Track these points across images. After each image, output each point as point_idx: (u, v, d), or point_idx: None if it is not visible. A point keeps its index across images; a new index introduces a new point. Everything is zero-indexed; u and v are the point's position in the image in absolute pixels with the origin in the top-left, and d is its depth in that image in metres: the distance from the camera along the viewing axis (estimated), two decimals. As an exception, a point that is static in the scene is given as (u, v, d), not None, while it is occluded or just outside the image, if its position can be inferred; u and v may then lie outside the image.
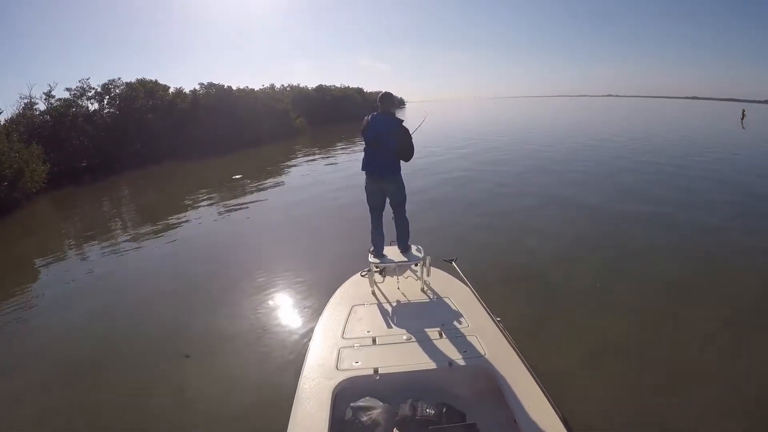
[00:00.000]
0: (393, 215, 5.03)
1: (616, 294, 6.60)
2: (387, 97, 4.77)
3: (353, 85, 70.56)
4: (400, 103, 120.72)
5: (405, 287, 4.51)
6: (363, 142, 4.83)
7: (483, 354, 3.21)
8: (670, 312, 6.03)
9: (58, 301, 7.78)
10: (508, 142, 28.36)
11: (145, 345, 5.87)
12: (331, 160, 23.46)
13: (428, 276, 4.60)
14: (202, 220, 12.75)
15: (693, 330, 5.57)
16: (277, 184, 17.64)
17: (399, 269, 4.73)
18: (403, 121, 4.76)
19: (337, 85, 63.71)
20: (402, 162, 4.82)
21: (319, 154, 26.54)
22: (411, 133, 4.80)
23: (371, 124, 4.69)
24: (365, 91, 73.04)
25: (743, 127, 8.92)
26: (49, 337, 6.41)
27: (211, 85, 36.86)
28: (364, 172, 4.90)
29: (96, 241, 11.50)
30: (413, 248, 4.94)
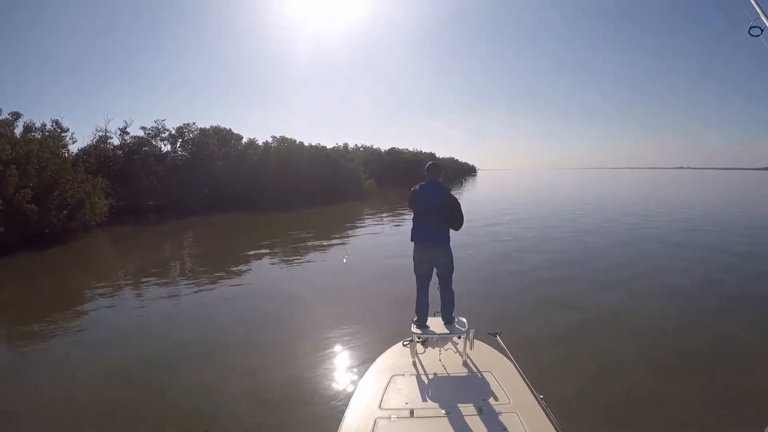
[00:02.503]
0: (439, 286, 4.89)
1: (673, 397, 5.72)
2: (434, 167, 4.84)
3: (425, 149, 70.34)
4: (471, 171, 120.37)
5: (446, 359, 4.38)
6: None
7: None
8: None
9: (89, 342, 7.64)
10: (571, 214, 25.72)
11: (165, 411, 5.50)
12: (396, 225, 21.86)
13: (471, 349, 4.39)
14: (259, 275, 12.59)
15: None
16: (338, 246, 16.73)
17: (441, 341, 4.59)
18: (451, 189, 4.79)
19: (410, 149, 63.42)
20: (452, 231, 4.73)
21: (385, 218, 24.98)
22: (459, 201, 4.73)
23: (420, 194, 4.68)
24: (437, 156, 72.40)
25: None
26: (66, 383, 6.17)
27: (283, 139, 36.23)
28: (413, 242, 4.83)
29: (146, 284, 11.29)
30: (457, 320, 4.80)
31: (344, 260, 13.31)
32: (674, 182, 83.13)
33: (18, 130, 17.69)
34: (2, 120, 17.00)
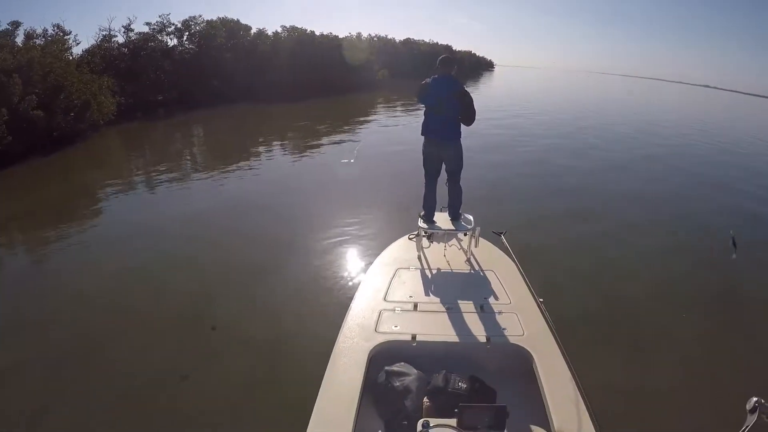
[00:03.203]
0: (447, 181, 4.97)
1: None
2: (447, 60, 4.68)
3: (442, 42, 68.15)
4: (489, 66, 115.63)
5: (451, 255, 4.46)
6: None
7: (521, 333, 3.17)
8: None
9: (101, 241, 8.02)
10: (588, 117, 26.10)
11: (175, 307, 5.87)
12: (407, 117, 22.35)
13: (475, 247, 4.49)
14: (268, 168, 12.95)
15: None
16: (348, 137, 17.29)
17: (447, 237, 4.72)
18: (464, 84, 4.68)
19: (426, 40, 61.42)
20: (463, 127, 4.71)
21: (397, 110, 25.40)
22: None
23: (432, 87, 4.61)
24: (454, 49, 70.17)
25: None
26: (85, 280, 6.59)
27: (293, 28, 35.51)
28: (423, 136, 4.84)
29: (156, 179, 11.81)
30: (463, 217, 4.88)
31: (355, 152, 13.86)
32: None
33: (20, 39, 18.11)
34: (2, 30, 17.44)
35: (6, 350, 5.09)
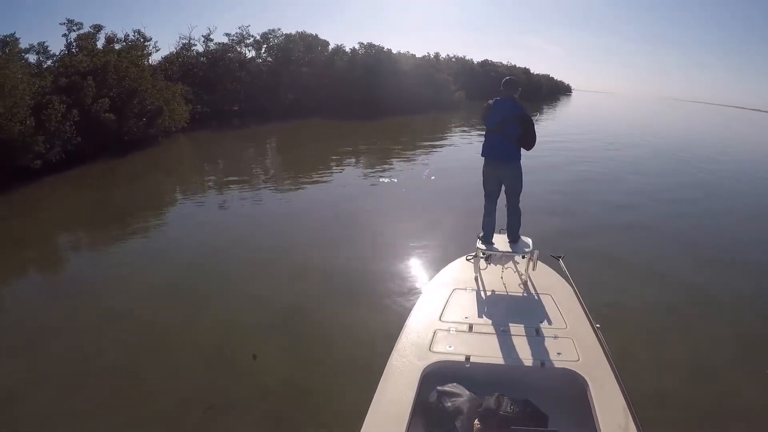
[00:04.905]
0: (506, 203, 4.91)
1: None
2: (511, 82, 4.65)
3: (520, 65, 66.82)
4: (566, 90, 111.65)
5: (508, 278, 4.38)
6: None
7: (577, 359, 3.04)
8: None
9: (154, 249, 7.99)
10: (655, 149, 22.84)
11: (220, 327, 5.54)
12: (479, 139, 20.72)
13: (533, 270, 4.37)
14: (338, 183, 12.85)
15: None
16: (419, 157, 16.83)
17: (505, 258, 4.58)
18: (526, 108, 4.70)
19: (504, 62, 60.20)
20: (522, 150, 4.68)
21: (470, 132, 24.07)
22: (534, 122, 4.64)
23: (495, 109, 4.57)
24: (532, 72, 68.32)
25: None
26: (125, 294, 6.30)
27: (370, 45, 35.10)
28: (483, 157, 4.83)
29: (220, 191, 11.74)
30: (522, 240, 4.81)
31: (424, 174, 13.43)
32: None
33: (100, 42, 18.28)
34: (84, 33, 17.64)
35: (22, 363, 4.86)
